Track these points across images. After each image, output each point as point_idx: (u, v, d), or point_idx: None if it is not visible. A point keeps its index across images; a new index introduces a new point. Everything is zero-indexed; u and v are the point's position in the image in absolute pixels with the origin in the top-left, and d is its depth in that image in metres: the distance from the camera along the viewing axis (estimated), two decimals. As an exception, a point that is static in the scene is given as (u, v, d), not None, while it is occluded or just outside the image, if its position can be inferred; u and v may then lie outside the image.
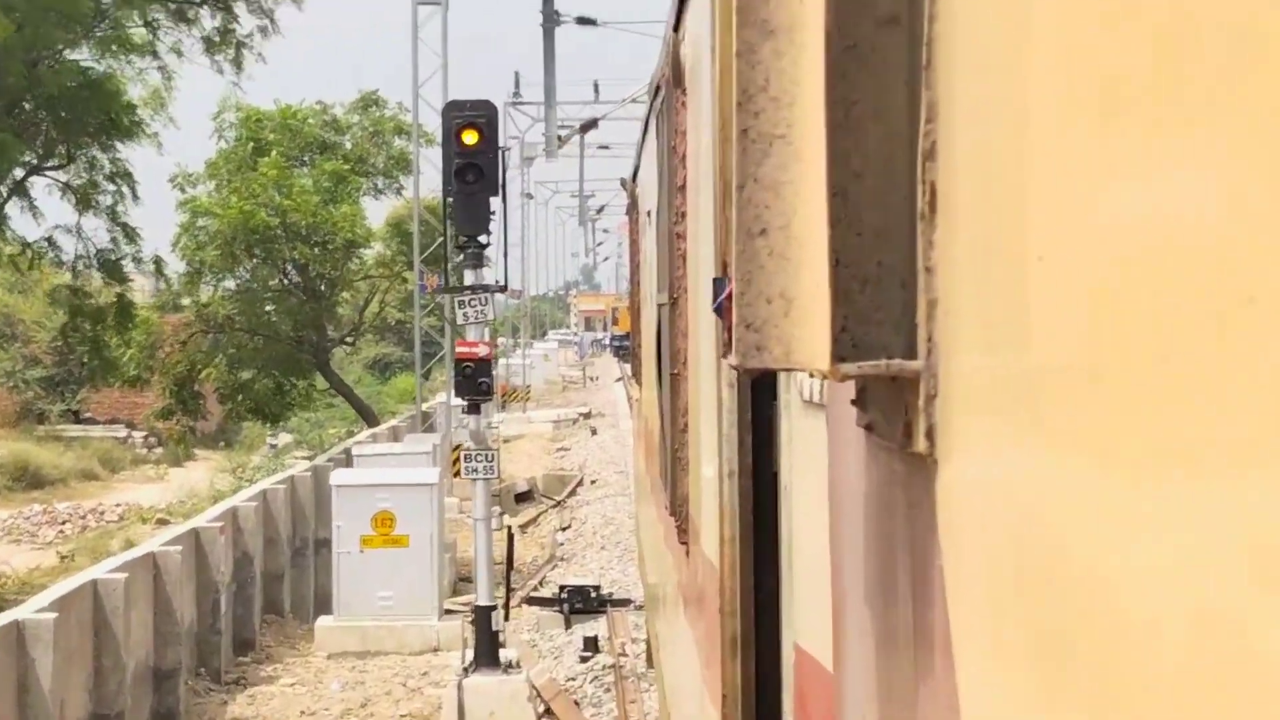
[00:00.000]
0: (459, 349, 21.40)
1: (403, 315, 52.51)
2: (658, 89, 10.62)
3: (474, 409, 21.15)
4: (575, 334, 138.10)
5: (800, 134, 2.38)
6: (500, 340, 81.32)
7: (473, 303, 20.95)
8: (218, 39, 39.72)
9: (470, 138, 20.03)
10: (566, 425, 60.18)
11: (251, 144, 46.05)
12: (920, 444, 2.22)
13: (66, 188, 39.45)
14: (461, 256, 21.20)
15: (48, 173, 39.44)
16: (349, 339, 52.33)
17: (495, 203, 21.01)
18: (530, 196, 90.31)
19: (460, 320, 21.38)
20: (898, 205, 2.28)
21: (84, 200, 39.42)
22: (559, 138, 48.98)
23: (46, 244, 40.14)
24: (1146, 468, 1.52)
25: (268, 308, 46.70)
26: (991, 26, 1.95)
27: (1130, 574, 1.58)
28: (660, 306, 10.31)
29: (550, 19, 42.41)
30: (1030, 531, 1.91)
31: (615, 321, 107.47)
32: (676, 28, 8.35)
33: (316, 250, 45.83)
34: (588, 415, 63.07)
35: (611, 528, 34.63)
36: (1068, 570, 1.77)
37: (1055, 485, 1.82)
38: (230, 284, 46.60)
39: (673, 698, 10.18)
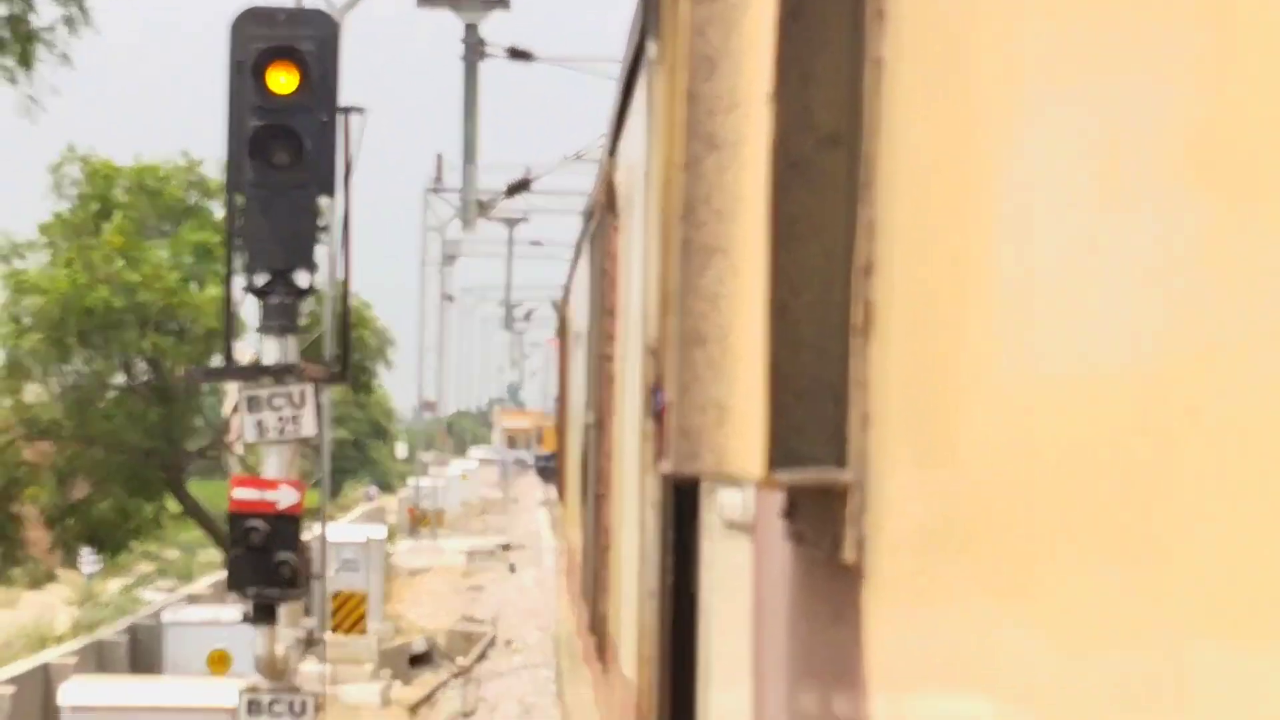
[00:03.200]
0: (235, 492, 11.17)
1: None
2: (591, 214, 10.71)
3: (264, 615, 11.10)
4: (498, 452, 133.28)
5: (739, 248, 2.43)
6: (424, 455, 76.86)
7: (274, 402, 10.91)
8: (7, 33, 28.82)
9: (283, 79, 10.72)
10: (482, 557, 55.42)
11: (97, 205, 36.95)
12: (849, 554, 2.26)
13: None
14: (262, 310, 11.33)
15: None
16: (211, 452, 41.40)
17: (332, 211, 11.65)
18: (451, 298, 79.21)
19: (250, 435, 11.25)
20: (834, 320, 2.33)
21: None
22: (480, 203, 38.85)
23: None
24: (1070, 590, 1.56)
25: (108, 412, 37.11)
26: (931, 144, 2.01)
27: (1049, 685, 1.61)
28: (587, 427, 10.33)
29: (473, 50, 31.23)
30: (952, 643, 1.94)
31: (540, 440, 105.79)
32: (612, 152, 8.44)
33: (172, 340, 36.41)
34: (506, 547, 58.26)
35: (530, 721, 27.56)
36: (993, 683, 1.80)
37: (979, 600, 1.85)
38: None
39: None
